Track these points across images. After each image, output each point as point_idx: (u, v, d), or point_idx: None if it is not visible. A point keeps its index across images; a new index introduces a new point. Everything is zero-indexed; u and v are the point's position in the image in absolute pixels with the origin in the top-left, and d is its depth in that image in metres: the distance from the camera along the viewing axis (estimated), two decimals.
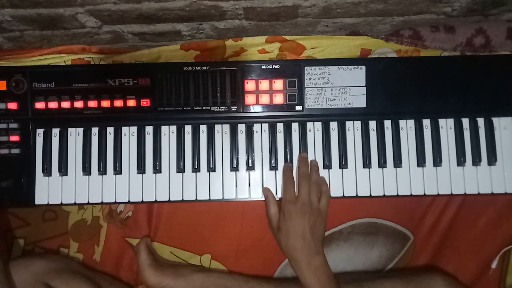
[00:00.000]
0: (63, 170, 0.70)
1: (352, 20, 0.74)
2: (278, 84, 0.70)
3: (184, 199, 0.70)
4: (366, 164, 0.70)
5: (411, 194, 0.70)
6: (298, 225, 0.63)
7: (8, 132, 0.70)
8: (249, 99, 0.70)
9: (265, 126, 0.72)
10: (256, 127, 0.72)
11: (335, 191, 0.70)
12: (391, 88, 0.70)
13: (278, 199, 0.70)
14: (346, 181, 0.70)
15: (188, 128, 0.71)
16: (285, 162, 0.70)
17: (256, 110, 0.70)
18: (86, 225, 0.81)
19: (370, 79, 0.70)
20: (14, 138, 0.70)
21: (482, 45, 0.75)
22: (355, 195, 0.70)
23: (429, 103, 0.71)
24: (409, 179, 0.70)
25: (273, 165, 0.70)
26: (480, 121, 0.71)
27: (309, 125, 0.71)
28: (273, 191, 0.70)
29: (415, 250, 0.82)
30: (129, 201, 0.70)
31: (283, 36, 0.78)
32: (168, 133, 0.71)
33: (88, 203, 0.70)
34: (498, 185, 0.70)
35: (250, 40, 0.78)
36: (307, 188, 0.66)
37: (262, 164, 0.71)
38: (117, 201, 0.70)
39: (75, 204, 0.70)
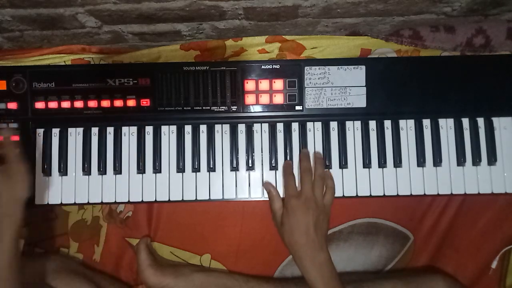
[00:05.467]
0: (63, 170, 0.70)
1: (352, 20, 0.74)
2: (278, 84, 0.70)
3: (184, 199, 0.70)
4: (366, 164, 0.70)
5: (411, 194, 0.70)
6: (302, 221, 0.62)
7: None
8: (249, 99, 0.70)
9: (265, 126, 0.72)
10: (256, 127, 0.72)
11: (335, 191, 0.69)
12: (391, 88, 0.70)
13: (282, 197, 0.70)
14: (346, 181, 0.70)
15: (188, 128, 0.71)
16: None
17: (256, 110, 0.70)
18: (86, 225, 0.81)
19: (370, 79, 0.70)
20: (14, 138, 0.70)
21: (482, 45, 0.75)
22: (355, 195, 0.70)
23: (429, 103, 0.71)
24: (409, 179, 0.70)
25: (273, 165, 0.70)
26: (480, 121, 0.71)
27: (309, 125, 0.71)
28: None
29: (415, 250, 0.82)
30: (129, 201, 0.70)
31: (283, 36, 0.78)
32: (168, 133, 0.71)
33: (88, 203, 0.70)
34: (498, 185, 0.70)
35: (250, 40, 0.78)
36: (310, 183, 0.65)
37: (262, 164, 0.71)
38: (117, 201, 0.70)
39: (75, 204, 0.70)
